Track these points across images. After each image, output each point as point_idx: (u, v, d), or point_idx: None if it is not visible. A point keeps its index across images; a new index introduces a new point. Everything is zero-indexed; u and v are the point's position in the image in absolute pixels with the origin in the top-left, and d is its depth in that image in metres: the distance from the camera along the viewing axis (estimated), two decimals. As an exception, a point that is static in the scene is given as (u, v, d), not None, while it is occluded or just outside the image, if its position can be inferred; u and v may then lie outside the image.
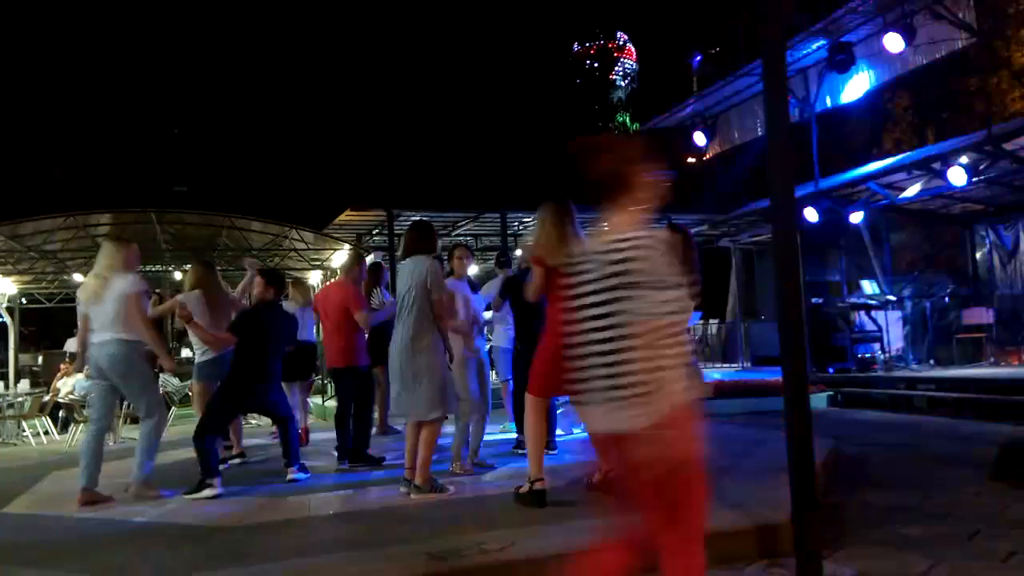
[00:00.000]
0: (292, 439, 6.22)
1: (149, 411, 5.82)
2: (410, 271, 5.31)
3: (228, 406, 6.13)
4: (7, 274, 16.18)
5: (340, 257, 15.89)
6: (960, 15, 10.25)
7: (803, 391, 3.72)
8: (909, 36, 10.54)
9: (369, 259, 12.14)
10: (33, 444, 11.37)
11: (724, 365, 17.25)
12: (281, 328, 6.37)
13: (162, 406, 6.08)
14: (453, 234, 17.92)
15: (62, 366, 13.89)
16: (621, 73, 61.52)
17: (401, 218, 16.13)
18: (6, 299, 17.37)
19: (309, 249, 16.32)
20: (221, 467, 6.01)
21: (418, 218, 16.26)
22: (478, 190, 32.19)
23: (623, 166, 2.50)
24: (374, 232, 17.96)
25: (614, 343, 2.31)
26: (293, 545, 4.11)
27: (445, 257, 6.80)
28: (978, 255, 15.13)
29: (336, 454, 7.00)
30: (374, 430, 8.12)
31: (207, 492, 5.63)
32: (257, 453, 7.83)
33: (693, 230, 16.45)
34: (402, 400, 5.27)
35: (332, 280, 7.93)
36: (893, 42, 10.60)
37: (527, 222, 18.46)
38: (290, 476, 6.10)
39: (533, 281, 4.84)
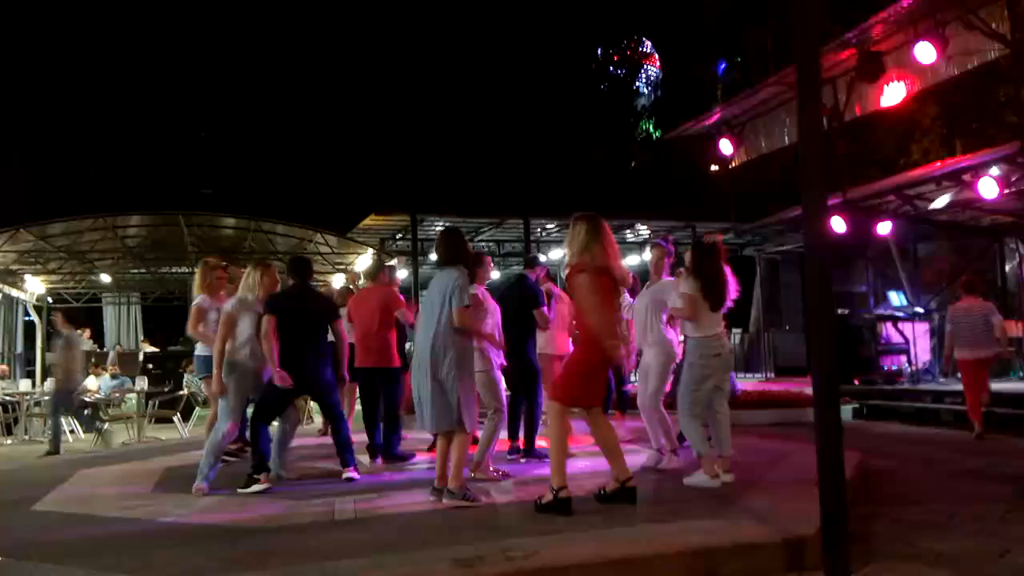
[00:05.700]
0: (345, 440, 6.17)
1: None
2: (443, 283, 5.19)
3: (272, 395, 5.97)
4: (36, 273, 16.42)
5: (364, 261, 15.98)
6: (994, 25, 10.09)
7: (835, 404, 3.70)
8: (941, 46, 10.39)
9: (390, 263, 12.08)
10: (59, 442, 11.47)
11: (747, 375, 17.11)
12: (315, 309, 6.25)
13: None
14: (476, 240, 17.95)
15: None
16: (645, 80, 61.25)
17: (425, 223, 16.19)
18: (34, 298, 17.60)
19: (333, 253, 16.44)
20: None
21: (442, 224, 16.44)
22: (501, 196, 32.15)
23: None
24: (398, 236, 18.04)
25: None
26: (318, 548, 4.10)
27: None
28: (1007, 267, 14.91)
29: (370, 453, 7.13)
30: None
31: (256, 487, 5.70)
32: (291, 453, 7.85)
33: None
34: (425, 410, 5.15)
35: (364, 286, 8.00)
36: (924, 52, 10.44)
37: (550, 228, 18.45)
38: (345, 475, 6.06)
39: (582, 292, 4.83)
